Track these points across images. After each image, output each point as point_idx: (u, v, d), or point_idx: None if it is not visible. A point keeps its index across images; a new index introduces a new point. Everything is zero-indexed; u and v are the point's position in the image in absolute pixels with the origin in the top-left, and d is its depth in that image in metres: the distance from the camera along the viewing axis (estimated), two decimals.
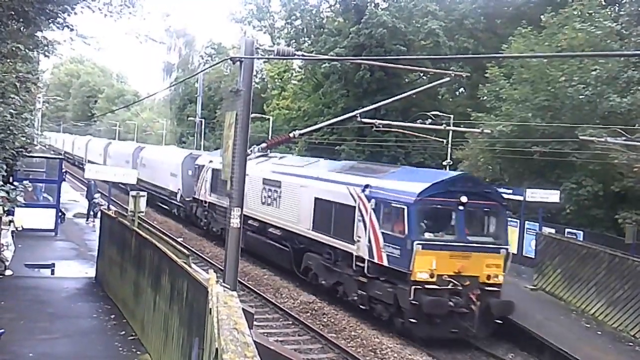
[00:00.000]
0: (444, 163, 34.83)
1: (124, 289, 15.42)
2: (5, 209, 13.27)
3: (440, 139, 32.46)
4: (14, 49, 16.78)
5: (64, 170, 32.07)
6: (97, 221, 25.20)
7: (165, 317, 11.14)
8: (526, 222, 27.33)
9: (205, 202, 31.55)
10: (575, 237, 25.53)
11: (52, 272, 19.36)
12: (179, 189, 36.24)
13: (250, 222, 25.41)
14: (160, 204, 40.54)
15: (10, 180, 18.88)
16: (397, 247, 17.06)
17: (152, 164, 43.25)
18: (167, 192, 38.71)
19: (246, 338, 5.01)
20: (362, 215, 18.51)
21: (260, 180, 25.61)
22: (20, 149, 19.28)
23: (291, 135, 15.01)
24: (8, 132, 14.33)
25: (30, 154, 24.29)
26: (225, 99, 65.07)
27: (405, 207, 16.96)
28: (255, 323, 12.67)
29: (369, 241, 18.02)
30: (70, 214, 31.29)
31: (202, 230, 32.90)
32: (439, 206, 17.50)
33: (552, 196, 26.27)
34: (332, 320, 18.83)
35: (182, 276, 10.27)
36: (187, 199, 34.85)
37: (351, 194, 19.27)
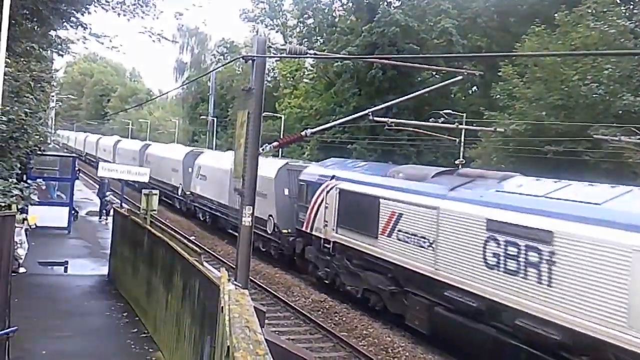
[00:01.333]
0: (457, 162, 34.73)
1: (136, 287, 15.48)
2: (19, 206, 13.35)
3: (453, 138, 32.38)
4: (28, 48, 16.93)
5: (77, 169, 32.22)
6: (110, 219, 25.33)
7: (178, 315, 11.17)
8: None
9: (327, 241, 20.71)
10: None
11: (65, 270, 19.46)
12: (270, 216, 25.65)
13: (449, 293, 15.12)
14: (235, 232, 27.99)
15: (24, 178, 19.01)
16: None
17: (218, 177, 32.43)
18: None
19: (258, 336, 5.01)
20: None
21: (481, 222, 14.27)
22: (34, 148, 19.40)
23: (303, 134, 14.98)
24: (22, 130, 14.41)
25: (44, 153, 24.46)
26: (238, 97, 65.29)
27: None
28: (266, 321, 12.67)
29: None
30: (83, 212, 31.46)
31: (318, 281, 22.26)
32: None
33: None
34: (344, 319, 18.81)
35: (194, 274, 10.29)
36: (285, 232, 24.71)
37: None
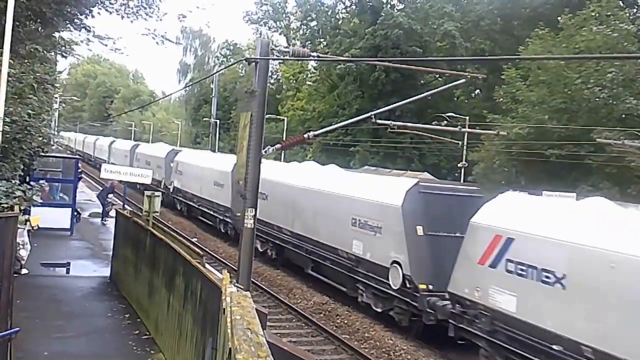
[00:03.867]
0: (459, 165, 34.71)
1: (138, 288, 15.48)
2: (22, 208, 13.36)
3: (456, 141, 32.40)
4: (32, 50, 16.95)
5: (79, 170, 32.20)
6: (109, 220, 25.29)
7: (179, 317, 11.17)
8: None
9: None
10: None
11: (68, 271, 19.45)
12: None
13: None
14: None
15: (27, 179, 19.04)
16: None
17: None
18: None
19: (260, 338, 5.00)
20: None
21: None
22: (37, 149, 19.43)
23: (306, 136, 14.98)
24: (26, 132, 14.43)
25: (47, 154, 24.47)
26: (240, 99, 65.31)
27: None
28: (268, 323, 12.67)
29: None
30: (86, 214, 31.46)
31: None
32: None
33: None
34: (346, 322, 18.79)
35: (196, 276, 10.29)
36: None
37: None
